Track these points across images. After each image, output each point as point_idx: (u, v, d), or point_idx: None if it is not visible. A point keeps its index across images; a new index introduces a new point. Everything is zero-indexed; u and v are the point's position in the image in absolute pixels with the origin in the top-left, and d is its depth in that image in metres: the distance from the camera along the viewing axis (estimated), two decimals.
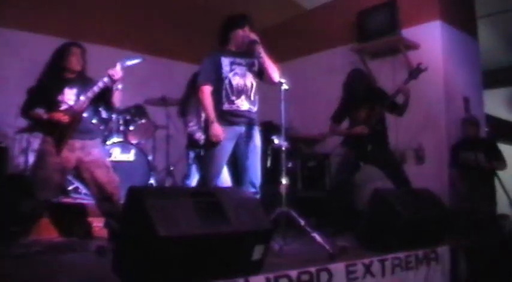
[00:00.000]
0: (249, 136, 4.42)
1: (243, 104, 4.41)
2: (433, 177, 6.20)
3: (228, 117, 4.35)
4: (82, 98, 4.34)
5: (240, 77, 4.41)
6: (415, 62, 5.66)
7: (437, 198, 4.63)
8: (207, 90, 4.35)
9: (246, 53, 4.48)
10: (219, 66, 4.40)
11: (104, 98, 4.46)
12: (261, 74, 4.55)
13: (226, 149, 4.36)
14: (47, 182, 4.23)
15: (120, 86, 4.41)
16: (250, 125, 4.44)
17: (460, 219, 5.42)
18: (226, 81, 4.37)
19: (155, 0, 7.89)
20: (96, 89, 4.32)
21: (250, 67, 4.51)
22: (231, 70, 4.40)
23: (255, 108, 4.51)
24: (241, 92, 4.40)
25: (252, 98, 4.48)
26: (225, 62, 4.42)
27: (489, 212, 5.85)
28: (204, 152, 4.51)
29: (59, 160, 4.23)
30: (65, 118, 4.24)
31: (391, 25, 6.83)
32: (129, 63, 4.47)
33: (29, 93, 4.35)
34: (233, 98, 4.37)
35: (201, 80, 4.41)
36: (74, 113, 4.30)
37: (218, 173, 4.44)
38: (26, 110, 4.33)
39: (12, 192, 4.51)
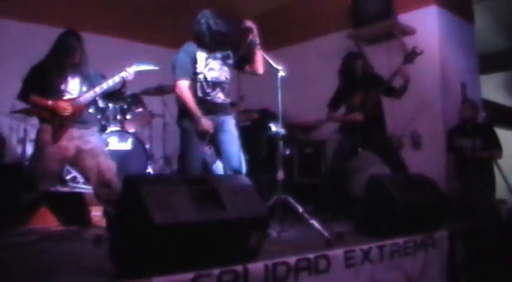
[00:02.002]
0: (225, 126, 4.44)
1: (218, 96, 4.45)
2: (430, 163, 6.19)
3: (204, 106, 4.35)
4: (90, 92, 4.39)
5: (215, 71, 4.41)
6: (411, 47, 5.64)
7: (434, 184, 4.63)
8: (184, 85, 4.31)
9: (244, 43, 4.43)
10: (194, 61, 4.37)
11: (112, 95, 4.61)
12: (242, 64, 4.57)
13: (202, 137, 4.36)
14: (46, 173, 4.24)
15: (125, 90, 4.49)
16: (225, 115, 4.48)
17: (457, 205, 5.42)
18: (201, 76, 4.37)
19: None
20: (105, 86, 4.42)
21: (225, 60, 4.51)
22: (206, 65, 4.38)
23: (228, 99, 4.57)
24: (216, 85, 4.42)
25: (226, 90, 4.52)
26: (201, 56, 4.39)
27: (487, 198, 5.84)
28: (181, 141, 4.47)
29: (57, 149, 4.22)
30: (68, 109, 4.25)
31: (387, 10, 6.78)
32: (143, 68, 4.58)
33: (28, 77, 4.31)
34: (208, 90, 4.40)
35: (177, 75, 4.36)
36: (79, 105, 4.32)
37: (197, 161, 4.41)
38: (26, 94, 4.29)
39: (11, 182, 4.50)
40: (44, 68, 4.31)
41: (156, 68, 4.71)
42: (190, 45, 4.42)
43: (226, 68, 4.50)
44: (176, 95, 4.39)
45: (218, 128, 4.39)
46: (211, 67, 4.41)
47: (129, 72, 4.52)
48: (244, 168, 4.42)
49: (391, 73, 5.55)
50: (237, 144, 4.45)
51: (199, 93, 4.38)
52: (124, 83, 4.60)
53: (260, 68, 4.49)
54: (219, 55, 4.47)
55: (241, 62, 4.57)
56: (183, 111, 4.38)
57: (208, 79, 4.37)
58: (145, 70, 4.67)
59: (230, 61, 4.54)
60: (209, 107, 4.38)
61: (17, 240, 4.01)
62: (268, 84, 4.45)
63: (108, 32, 7.69)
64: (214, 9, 4.45)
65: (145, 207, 2.46)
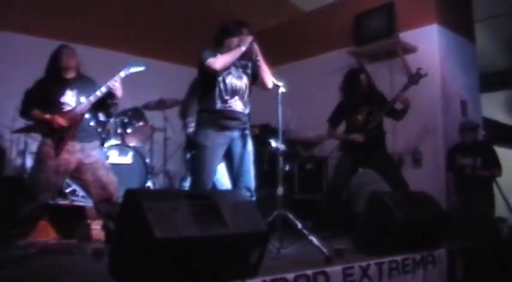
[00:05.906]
0: (241, 141, 4.34)
1: (236, 104, 4.30)
2: (430, 181, 6.18)
3: (220, 122, 4.24)
4: (84, 100, 4.41)
5: (234, 78, 4.31)
6: (413, 66, 5.65)
7: (434, 201, 4.62)
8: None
9: (241, 55, 4.31)
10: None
11: (103, 106, 4.63)
12: (254, 78, 4.47)
13: (217, 154, 4.26)
14: (47, 184, 4.26)
15: (116, 101, 4.49)
16: (242, 129, 4.36)
17: (457, 223, 5.42)
18: (220, 79, 4.24)
19: (153, 4, 7.89)
20: (98, 93, 4.40)
21: (244, 69, 4.42)
22: (225, 69, 4.27)
23: (247, 110, 4.42)
24: (235, 92, 4.29)
25: (245, 99, 4.40)
26: None
27: (486, 216, 5.84)
28: (194, 156, 4.45)
29: (59, 162, 4.24)
30: (65, 123, 4.26)
31: (389, 28, 6.84)
32: (133, 70, 4.54)
33: (28, 94, 4.37)
34: (227, 97, 4.26)
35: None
36: (75, 115, 4.34)
37: (209, 177, 4.28)
38: (26, 110, 4.36)
39: (11, 194, 4.51)
40: (41, 84, 4.41)
41: (144, 68, 4.67)
42: (212, 50, 4.32)
43: (245, 77, 4.40)
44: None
45: (233, 144, 4.32)
46: (231, 71, 4.31)
47: (121, 75, 4.50)
48: (253, 185, 4.35)
49: (392, 97, 5.55)
50: (251, 162, 4.35)
51: (218, 102, 4.24)
52: (112, 94, 4.54)
53: (268, 82, 4.38)
54: (238, 63, 4.37)
55: (252, 76, 4.49)
56: (198, 126, 4.36)
57: (227, 84, 4.25)
58: (136, 72, 4.62)
59: (249, 71, 4.46)
60: (225, 122, 4.26)
61: (17, 254, 4.00)
62: (269, 99, 4.45)
63: (107, 46, 7.70)
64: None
65: (147, 222, 2.46)
